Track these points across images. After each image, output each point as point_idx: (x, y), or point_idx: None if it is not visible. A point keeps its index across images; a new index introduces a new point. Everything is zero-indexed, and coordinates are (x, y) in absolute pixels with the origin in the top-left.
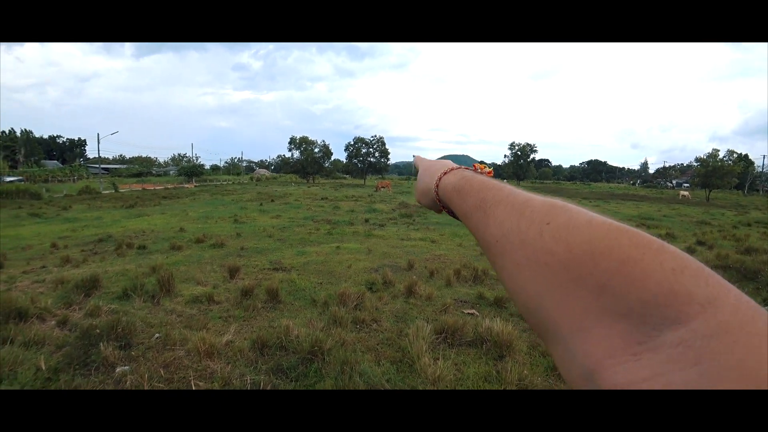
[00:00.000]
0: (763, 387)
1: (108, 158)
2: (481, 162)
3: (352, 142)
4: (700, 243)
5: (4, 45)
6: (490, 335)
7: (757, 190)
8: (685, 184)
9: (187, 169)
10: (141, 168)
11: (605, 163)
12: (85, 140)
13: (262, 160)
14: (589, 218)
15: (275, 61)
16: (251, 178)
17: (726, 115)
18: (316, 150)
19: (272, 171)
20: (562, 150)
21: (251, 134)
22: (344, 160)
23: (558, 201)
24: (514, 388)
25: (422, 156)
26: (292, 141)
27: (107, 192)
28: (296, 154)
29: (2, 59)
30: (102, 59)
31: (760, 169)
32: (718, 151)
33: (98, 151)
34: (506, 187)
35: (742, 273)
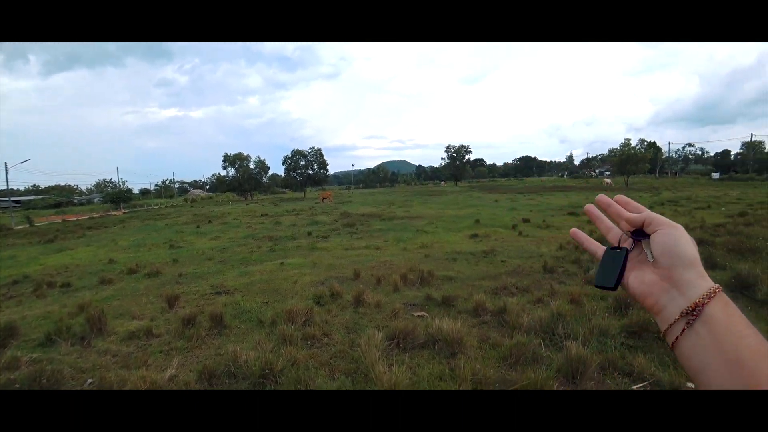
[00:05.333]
0: None
1: (19, 189)
2: None
3: (290, 155)
4: None
5: None
6: (440, 334)
7: (666, 173)
8: (607, 173)
9: (114, 195)
10: (59, 197)
11: (535, 158)
12: None
13: (195, 180)
14: None
15: (202, 75)
16: (185, 200)
17: (640, 108)
18: (252, 166)
19: (207, 191)
20: (495, 149)
21: (182, 153)
22: (282, 174)
23: None
24: (468, 382)
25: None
26: (227, 158)
27: (20, 227)
28: (231, 171)
29: None
30: (3, 79)
31: (667, 154)
32: (630, 140)
33: (6, 182)
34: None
35: None
